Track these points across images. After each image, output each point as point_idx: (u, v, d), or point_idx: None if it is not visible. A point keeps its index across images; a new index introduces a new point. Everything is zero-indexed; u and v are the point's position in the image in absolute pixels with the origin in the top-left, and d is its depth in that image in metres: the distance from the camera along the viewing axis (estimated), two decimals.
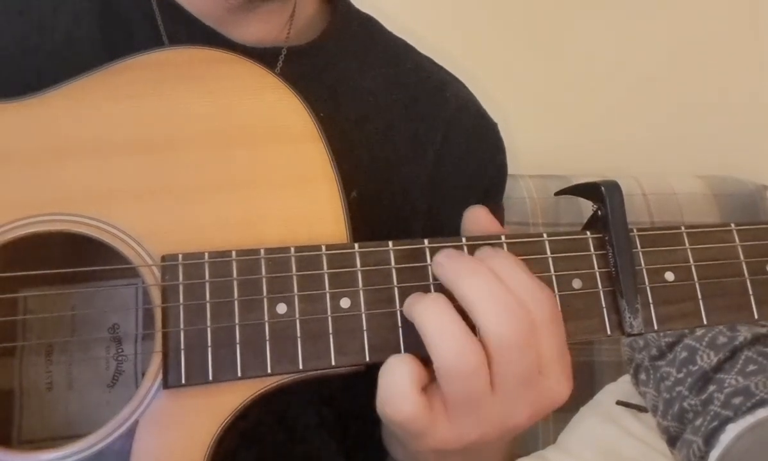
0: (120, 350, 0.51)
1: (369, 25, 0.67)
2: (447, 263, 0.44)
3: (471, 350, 0.42)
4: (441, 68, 0.68)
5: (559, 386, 0.44)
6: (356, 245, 0.46)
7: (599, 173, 1.46)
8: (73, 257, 0.47)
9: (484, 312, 0.42)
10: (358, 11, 0.67)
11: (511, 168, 0.70)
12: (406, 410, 0.42)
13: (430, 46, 0.69)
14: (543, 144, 1.58)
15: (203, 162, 0.47)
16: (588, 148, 1.63)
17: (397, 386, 0.43)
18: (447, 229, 0.48)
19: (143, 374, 0.45)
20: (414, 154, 0.62)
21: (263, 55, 0.56)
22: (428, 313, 0.43)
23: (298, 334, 0.44)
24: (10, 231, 0.45)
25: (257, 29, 0.59)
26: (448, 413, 0.43)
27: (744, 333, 1.16)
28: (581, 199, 0.49)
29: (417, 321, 0.43)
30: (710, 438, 1.09)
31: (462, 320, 0.42)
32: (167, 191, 0.46)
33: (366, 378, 0.47)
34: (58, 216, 0.46)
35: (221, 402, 0.44)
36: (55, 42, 0.55)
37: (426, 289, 0.45)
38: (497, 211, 0.66)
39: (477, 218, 0.48)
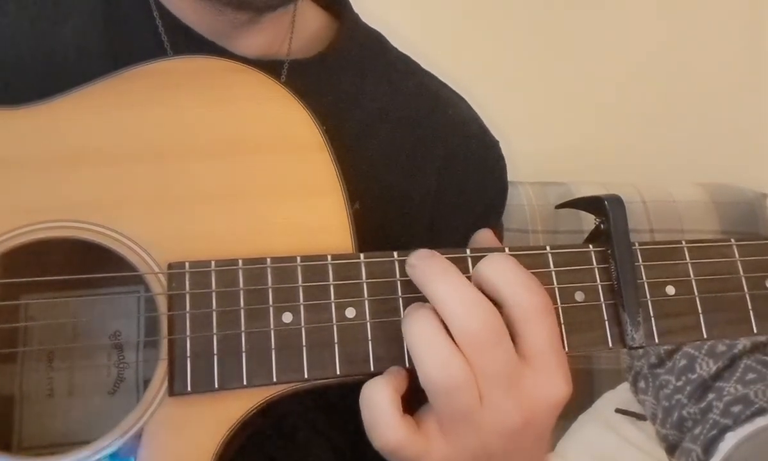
0: (121, 357, 0.51)
1: (374, 40, 0.67)
2: (418, 264, 0.44)
3: (455, 363, 0.42)
4: (444, 85, 0.68)
5: (551, 382, 0.43)
6: (362, 255, 0.46)
7: (598, 180, 1.47)
8: (77, 264, 0.47)
9: (449, 311, 0.42)
10: (365, 26, 0.67)
11: (511, 175, 0.70)
12: (394, 439, 0.42)
13: (431, 57, 0.69)
14: (542, 151, 1.58)
15: (210, 170, 0.47)
16: (587, 155, 1.63)
17: (380, 417, 0.43)
18: (448, 243, 0.48)
19: (145, 382, 0.45)
20: (416, 168, 0.62)
21: (266, 68, 0.57)
22: (412, 327, 0.43)
23: (304, 343, 0.44)
24: (16, 237, 0.45)
25: (259, 43, 0.59)
26: (442, 430, 0.43)
27: (743, 341, 1.16)
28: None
29: (404, 336, 0.43)
30: (709, 447, 1.09)
31: (446, 332, 0.42)
32: (174, 199, 0.47)
33: None
34: (64, 222, 0.46)
35: (226, 410, 0.44)
36: (61, 51, 0.55)
37: None
38: (496, 230, 0.67)
39: (484, 241, 0.49)
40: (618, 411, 1.30)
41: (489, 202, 0.67)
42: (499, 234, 0.67)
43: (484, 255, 0.45)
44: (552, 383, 0.43)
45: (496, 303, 0.44)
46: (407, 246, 0.47)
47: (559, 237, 1.45)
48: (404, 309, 0.45)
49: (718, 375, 1.15)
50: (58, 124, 0.48)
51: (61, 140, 0.47)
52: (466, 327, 0.42)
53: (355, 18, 0.66)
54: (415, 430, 0.43)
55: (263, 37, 0.60)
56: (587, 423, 1.32)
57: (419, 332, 0.42)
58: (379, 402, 0.43)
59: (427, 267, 0.44)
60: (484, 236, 0.49)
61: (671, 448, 1.18)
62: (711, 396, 1.14)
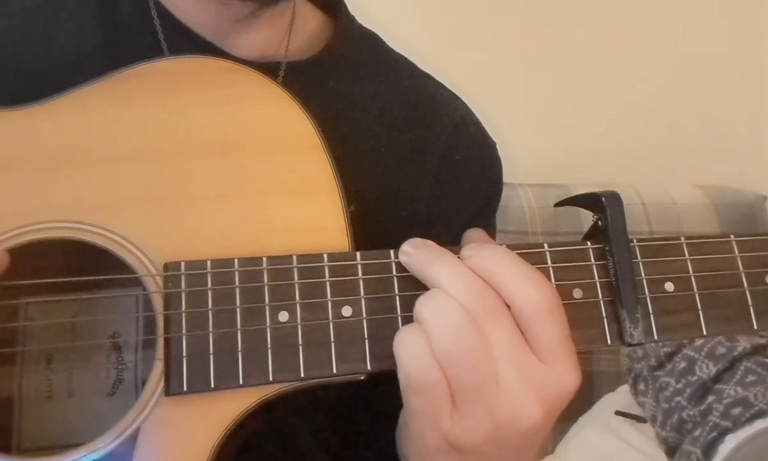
0: (120, 358, 0.51)
1: (371, 41, 0.67)
2: (414, 252, 0.45)
3: (471, 332, 0.42)
4: (441, 86, 0.68)
5: (565, 373, 0.44)
6: (358, 254, 0.46)
7: (598, 182, 1.47)
8: (76, 265, 0.47)
9: (453, 291, 0.43)
10: (361, 27, 0.67)
11: (510, 177, 0.70)
12: (435, 374, 0.42)
13: (428, 58, 0.69)
14: (542, 153, 1.59)
15: (207, 170, 0.47)
16: (587, 156, 1.63)
17: (422, 353, 0.43)
18: (443, 243, 0.48)
19: (143, 382, 0.45)
20: (413, 168, 0.62)
21: (263, 69, 0.57)
22: (431, 303, 0.43)
23: (300, 342, 0.44)
24: (14, 238, 0.45)
25: (257, 43, 0.59)
26: (455, 403, 0.43)
27: (743, 343, 1.16)
28: (580, 208, 0.50)
29: (418, 312, 0.43)
30: (709, 449, 1.09)
31: (464, 308, 0.43)
32: (171, 199, 0.47)
33: (364, 389, 0.47)
34: (61, 223, 0.46)
35: (222, 410, 0.44)
36: (58, 51, 0.55)
37: None
38: (490, 230, 0.67)
39: (475, 240, 0.49)
40: (618, 413, 1.30)
41: (485, 202, 0.67)
42: (492, 234, 0.67)
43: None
44: (565, 374, 0.44)
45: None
46: None
47: (559, 239, 1.45)
48: (401, 307, 0.45)
49: (718, 378, 1.15)
50: (55, 124, 0.48)
51: (59, 141, 0.47)
52: (472, 304, 0.42)
53: (351, 19, 0.66)
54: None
55: (261, 37, 0.60)
56: (587, 426, 1.32)
57: (436, 302, 0.43)
58: (420, 340, 0.43)
59: (424, 254, 0.45)
60: (474, 235, 0.49)
61: (671, 451, 1.17)
62: (711, 398, 1.13)
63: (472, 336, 0.42)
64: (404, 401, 0.45)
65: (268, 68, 0.57)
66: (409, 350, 0.43)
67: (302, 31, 0.63)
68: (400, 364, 0.43)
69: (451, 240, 0.47)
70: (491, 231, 0.68)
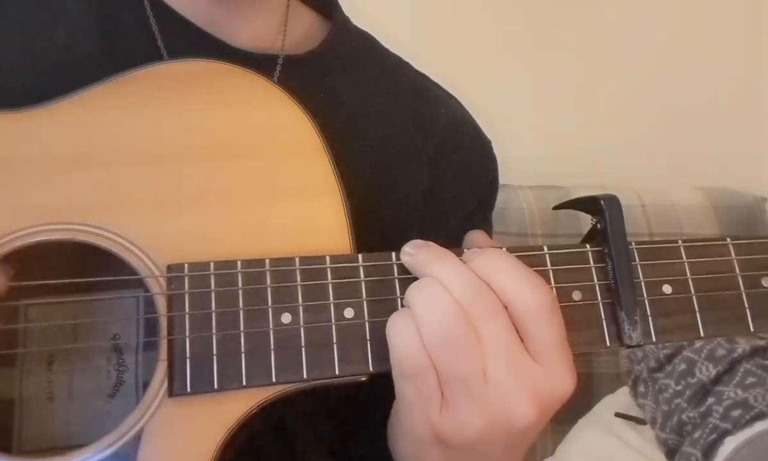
0: (121, 360, 0.51)
1: (366, 40, 0.67)
2: (416, 252, 0.45)
3: (458, 324, 0.42)
4: (436, 84, 0.68)
5: (560, 376, 0.44)
6: (360, 256, 0.46)
7: (598, 184, 1.47)
8: (77, 267, 0.47)
9: (451, 288, 0.43)
10: (355, 27, 0.67)
11: (510, 178, 0.70)
12: (424, 361, 0.43)
13: (426, 59, 0.69)
14: (541, 154, 1.59)
15: (209, 172, 0.48)
16: (586, 158, 1.63)
17: (412, 339, 0.43)
18: (439, 240, 0.49)
19: (144, 384, 0.45)
20: (409, 167, 0.62)
21: (262, 61, 0.57)
22: (421, 290, 0.44)
23: (303, 344, 0.44)
24: (16, 240, 0.45)
25: (252, 33, 0.60)
26: (443, 395, 0.44)
27: (743, 345, 1.17)
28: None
29: (409, 298, 0.44)
30: (709, 451, 1.09)
31: (455, 300, 0.43)
32: (173, 201, 0.47)
33: (365, 391, 0.47)
34: (64, 225, 0.46)
35: (226, 411, 0.44)
36: (56, 53, 0.55)
37: None
38: (485, 227, 0.67)
39: (478, 242, 0.49)
40: (618, 415, 1.30)
41: (481, 200, 0.67)
42: (489, 232, 0.68)
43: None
44: (560, 377, 0.44)
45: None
46: (399, 244, 0.47)
47: (559, 241, 1.45)
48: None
49: (717, 380, 1.15)
50: (57, 127, 0.48)
51: (61, 143, 0.48)
52: (469, 301, 0.43)
53: (346, 19, 0.67)
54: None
55: (256, 27, 0.60)
56: (587, 428, 1.32)
57: (427, 290, 0.44)
58: (412, 328, 0.43)
59: (425, 254, 0.45)
60: (477, 237, 0.50)
61: (671, 452, 1.18)
62: (710, 400, 1.14)
63: (459, 326, 0.43)
64: (396, 389, 0.45)
65: (265, 60, 0.58)
66: (400, 336, 0.43)
67: (297, 28, 0.63)
68: (391, 349, 0.44)
69: (448, 239, 0.48)
70: (488, 229, 0.68)
